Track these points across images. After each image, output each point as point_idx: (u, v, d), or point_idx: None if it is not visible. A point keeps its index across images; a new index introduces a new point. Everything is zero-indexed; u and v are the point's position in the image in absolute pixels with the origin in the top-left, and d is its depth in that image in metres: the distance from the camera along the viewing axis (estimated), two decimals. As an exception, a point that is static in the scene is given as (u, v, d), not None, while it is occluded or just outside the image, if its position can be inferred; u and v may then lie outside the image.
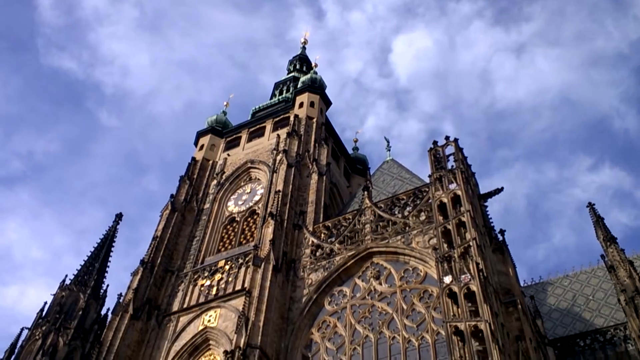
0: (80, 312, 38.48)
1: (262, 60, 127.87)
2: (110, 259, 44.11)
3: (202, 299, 31.47)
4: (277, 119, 44.44)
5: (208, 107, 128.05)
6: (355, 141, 51.59)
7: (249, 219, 36.71)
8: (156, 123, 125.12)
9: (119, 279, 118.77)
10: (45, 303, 39.41)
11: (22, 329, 37.92)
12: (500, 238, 26.85)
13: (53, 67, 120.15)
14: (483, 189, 29.65)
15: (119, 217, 46.91)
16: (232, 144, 45.01)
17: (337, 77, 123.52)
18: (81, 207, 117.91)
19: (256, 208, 36.83)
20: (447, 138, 29.44)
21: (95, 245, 44.12)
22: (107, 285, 41.88)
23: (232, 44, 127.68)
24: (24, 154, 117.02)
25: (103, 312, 39.66)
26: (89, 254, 43.44)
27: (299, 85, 46.94)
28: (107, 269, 43.40)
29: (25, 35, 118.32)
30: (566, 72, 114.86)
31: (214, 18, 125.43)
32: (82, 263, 42.63)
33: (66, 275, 41.22)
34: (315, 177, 35.97)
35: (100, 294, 41.09)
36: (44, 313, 38.77)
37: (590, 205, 40.22)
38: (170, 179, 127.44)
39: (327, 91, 46.37)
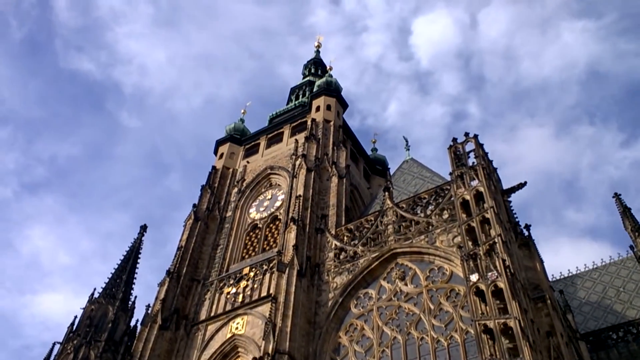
0: (110, 325, 38.95)
1: (280, 49, 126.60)
2: (137, 270, 44.69)
3: (228, 307, 31.63)
4: (294, 123, 44.57)
5: (227, 102, 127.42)
6: (374, 142, 51.47)
7: (271, 225, 36.84)
8: (176, 121, 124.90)
9: (146, 283, 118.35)
10: (76, 317, 40.07)
11: (54, 344, 38.62)
12: (526, 233, 26.52)
13: (72, 69, 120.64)
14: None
15: (143, 228, 47.48)
16: (251, 151, 45.25)
17: (356, 62, 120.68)
18: (105, 210, 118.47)
19: (278, 214, 36.94)
20: (466, 134, 29.18)
21: (122, 257, 44.76)
22: (135, 297, 42.45)
23: (249, 34, 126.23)
24: (46, 160, 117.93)
25: (132, 323, 40.12)
26: (116, 266, 44.06)
27: (314, 89, 47.01)
28: (134, 280, 43.96)
29: (43, 38, 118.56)
30: (593, 44, 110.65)
31: (228, 8, 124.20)
32: (110, 276, 43.25)
33: (94, 289, 41.92)
34: (335, 180, 35.94)
35: (129, 305, 41.58)
36: (74, 327, 39.35)
37: (617, 196, 39.68)
38: (192, 177, 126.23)
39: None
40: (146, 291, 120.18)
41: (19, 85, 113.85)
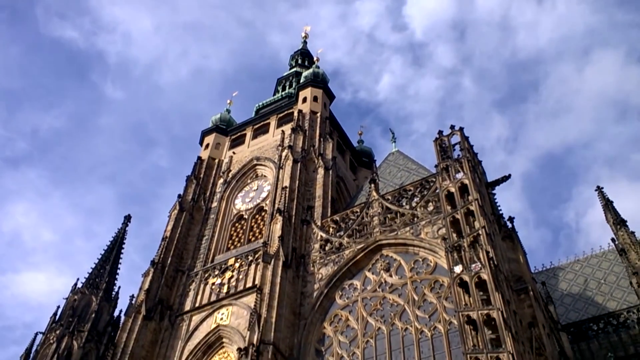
0: (94, 315, 38.73)
1: (270, 16, 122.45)
2: (120, 260, 44.39)
3: (213, 298, 31.58)
4: (281, 114, 44.42)
5: (215, 75, 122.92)
6: (360, 134, 51.45)
7: (257, 216, 36.78)
8: (163, 93, 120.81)
9: (130, 262, 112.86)
10: (58, 307, 39.80)
11: (36, 334, 38.36)
12: (510, 225, 26.77)
13: (54, 37, 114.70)
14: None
15: (127, 219, 47.16)
16: (237, 142, 45.04)
17: (348, 32, 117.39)
18: (90, 185, 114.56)
19: (264, 205, 36.88)
20: (452, 127, 29.35)
21: (105, 247, 44.40)
22: (119, 287, 42.22)
23: (238, 1, 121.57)
24: (29, 133, 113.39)
25: (116, 314, 39.96)
26: (99, 256, 43.73)
27: (301, 80, 46.85)
28: (118, 270, 43.68)
29: (23, 4, 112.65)
30: (590, 15, 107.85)
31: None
32: (93, 266, 42.93)
33: (78, 279, 41.59)
34: (321, 171, 35.94)
35: (112, 296, 41.34)
36: (57, 317, 39.06)
37: (599, 189, 40.12)
38: (179, 153, 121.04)
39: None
40: (130, 270, 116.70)
41: None
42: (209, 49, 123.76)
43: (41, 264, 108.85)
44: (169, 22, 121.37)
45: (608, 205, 38.33)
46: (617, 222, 36.43)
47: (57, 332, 37.58)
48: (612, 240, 36.52)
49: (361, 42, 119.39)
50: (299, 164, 36.15)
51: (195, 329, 30.34)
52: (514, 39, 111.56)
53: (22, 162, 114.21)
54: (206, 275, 33.49)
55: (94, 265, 42.93)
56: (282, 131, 41.41)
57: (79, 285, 41.09)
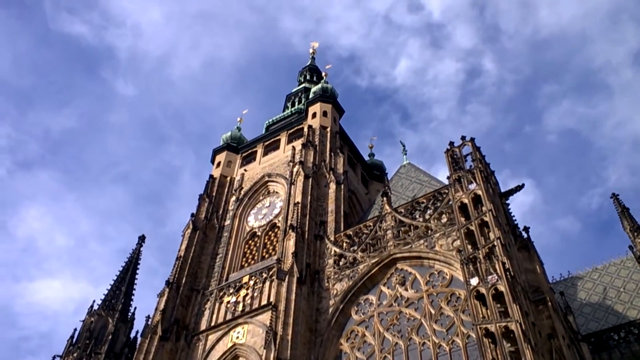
0: (110, 337, 38.70)
1: (282, 1, 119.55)
2: (135, 281, 44.51)
3: (229, 316, 31.50)
4: (291, 130, 44.58)
5: (228, 66, 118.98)
6: (371, 147, 51.44)
7: (270, 233, 36.76)
8: (174, 87, 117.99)
9: (147, 267, 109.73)
10: (75, 329, 39.82)
11: (54, 357, 38.30)
12: (525, 235, 26.49)
13: (63, 32, 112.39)
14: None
15: (142, 239, 47.33)
16: (248, 159, 45.24)
17: (363, 15, 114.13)
18: (103, 186, 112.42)
19: (276, 221, 36.87)
20: (463, 138, 29.26)
21: (120, 268, 44.59)
22: (135, 308, 42.21)
23: None
24: (40, 135, 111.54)
25: (132, 335, 39.90)
26: (115, 277, 43.90)
27: (310, 96, 47.07)
28: (134, 291, 43.78)
29: (31, 0, 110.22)
30: None
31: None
32: (109, 287, 43.06)
33: (94, 301, 41.64)
34: (333, 186, 35.91)
35: (128, 317, 41.36)
36: (74, 339, 39.12)
37: (615, 196, 39.68)
38: (192, 149, 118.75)
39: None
40: (147, 274, 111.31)
41: (8, 51, 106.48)
42: (221, 39, 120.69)
43: (56, 270, 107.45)
44: (179, 12, 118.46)
45: (624, 212, 37.87)
46: (634, 229, 35.97)
47: (75, 354, 37.59)
48: (630, 247, 36.02)
49: (377, 25, 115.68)
50: (310, 180, 36.17)
51: (212, 348, 30.22)
52: (535, 15, 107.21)
53: (34, 165, 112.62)
54: (221, 293, 33.44)
55: (109, 287, 43.12)
56: (293, 147, 41.52)
57: (95, 307, 41.24)
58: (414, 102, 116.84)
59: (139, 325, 41.93)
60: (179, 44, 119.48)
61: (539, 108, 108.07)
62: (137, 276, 44.82)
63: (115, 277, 43.89)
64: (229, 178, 43.90)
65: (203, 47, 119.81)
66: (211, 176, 44.01)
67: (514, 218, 29.09)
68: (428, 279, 26.09)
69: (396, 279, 27.04)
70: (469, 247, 23.30)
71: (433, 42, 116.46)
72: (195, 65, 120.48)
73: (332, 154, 39.25)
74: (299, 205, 33.76)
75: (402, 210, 30.39)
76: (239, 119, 51.64)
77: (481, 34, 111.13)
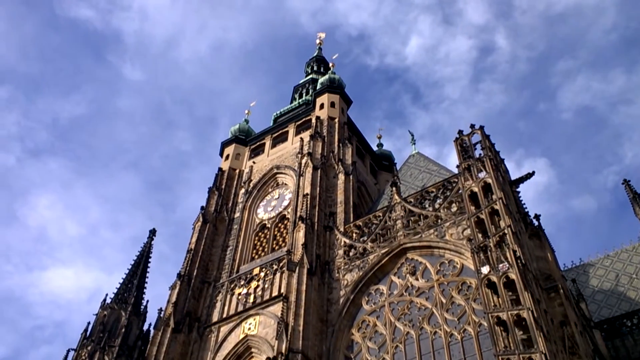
0: (123, 330, 39.09)
1: None
2: (147, 274, 44.85)
3: (240, 308, 31.67)
4: (299, 122, 44.51)
5: (235, 48, 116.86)
6: (379, 137, 51.28)
7: (280, 225, 36.84)
8: (182, 71, 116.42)
9: (160, 253, 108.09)
10: (89, 323, 40.26)
11: (68, 350, 38.78)
12: (536, 223, 26.38)
13: (70, 17, 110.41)
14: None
15: (152, 232, 47.66)
16: (256, 152, 45.26)
17: None
18: (113, 173, 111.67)
19: (286, 213, 36.92)
20: (472, 126, 29.10)
21: (132, 262, 44.97)
22: (147, 301, 42.54)
23: None
24: (49, 122, 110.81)
25: (145, 327, 40.23)
26: (127, 271, 44.28)
27: (317, 87, 46.91)
28: (146, 284, 44.16)
29: None
30: None
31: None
32: (121, 281, 43.49)
33: (107, 294, 42.11)
34: (342, 177, 35.87)
35: (141, 310, 41.71)
36: (87, 333, 39.55)
37: (626, 182, 39.36)
38: (200, 134, 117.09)
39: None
40: (159, 261, 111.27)
41: (15, 37, 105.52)
42: (228, 21, 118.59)
43: (68, 259, 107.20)
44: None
45: (636, 198, 37.57)
46: (646, 215, 35.68)
47: (89, 348, 38.01)
48: (642, 233, 35.76)
49: (387, 1, 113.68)
50: (319, 171, 36.15)
51: (224, 339, 30.41)
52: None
53: (43, 153, 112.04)
54: (232, 285, 33.61)
55: (121, 280, 43.52)
56: (301, 138, 41.48)
57: (108, 300, 41.65)
58: (425, 81, 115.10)
59: (151, 318, 42.46)
60: (185, 27, 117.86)
61: (554, 85, 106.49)
62: (148, 269, 45.18)
63: (127, 271, 44.31)
64: (237, 170, 43.95)
65: (210, 29, 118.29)
66: (220, 169, 44.08)
67: (524, 205, 28.93)
68: (439, 268, 26.05)
69: (407, 269, 27.03)
70: (480, 235, 23.25)
71: (445, 19, 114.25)
72: (202, 48, 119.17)
73: (341, 144, 39.16)
74: (308, 196, 33.77)
75: (412, 200, 30.32)
76: (246, 112, 51.65)
77: (494, 9, 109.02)
